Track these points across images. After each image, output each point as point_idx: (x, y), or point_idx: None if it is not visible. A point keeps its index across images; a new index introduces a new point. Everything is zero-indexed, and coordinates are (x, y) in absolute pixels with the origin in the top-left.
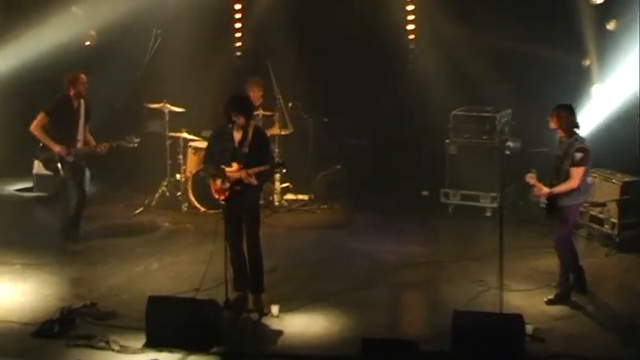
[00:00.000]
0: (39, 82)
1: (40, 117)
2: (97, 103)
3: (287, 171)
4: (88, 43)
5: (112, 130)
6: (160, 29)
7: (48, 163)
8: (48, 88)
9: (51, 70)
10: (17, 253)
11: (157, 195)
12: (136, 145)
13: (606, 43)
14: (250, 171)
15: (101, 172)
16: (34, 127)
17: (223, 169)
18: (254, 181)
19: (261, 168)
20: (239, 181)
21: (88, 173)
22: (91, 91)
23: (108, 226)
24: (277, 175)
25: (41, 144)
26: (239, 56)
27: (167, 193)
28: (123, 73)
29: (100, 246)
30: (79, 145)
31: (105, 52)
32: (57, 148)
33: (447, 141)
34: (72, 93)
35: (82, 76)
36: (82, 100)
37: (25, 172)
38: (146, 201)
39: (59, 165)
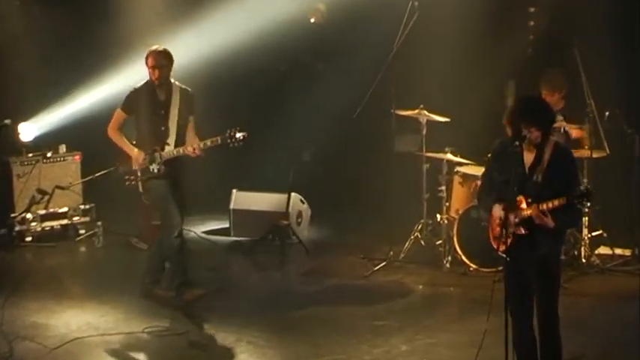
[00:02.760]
0: (244, 75)
1: (116, 114)
2: (323, 107)
3: (594, 205)
4: (313, 20)
5: (343, 148)
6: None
7: (128, 178)
8: (262, 79)
9: (262, 58)
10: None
11: (407, 244)
12: (241, 141)
13: None
14: (544, 206)
15: (326, 207)
16: (110, 129)
17: (512, 203)
18: (550, 221)
19: (556, 201)
20: (527, 223)
21: (307, 210)
22: (314, 90)
23: (334, 287)
24: (585, 219)
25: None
26: (532, 41)
27: (422, 242)
28: (363, 63)
29: (324, 315)
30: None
31: (338, 33)
32: (133, 154)
33: None
34: (151, 78)
35: (155, 50)
36: (172, 86)
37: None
38: (390, 252)
39: (139, 182)
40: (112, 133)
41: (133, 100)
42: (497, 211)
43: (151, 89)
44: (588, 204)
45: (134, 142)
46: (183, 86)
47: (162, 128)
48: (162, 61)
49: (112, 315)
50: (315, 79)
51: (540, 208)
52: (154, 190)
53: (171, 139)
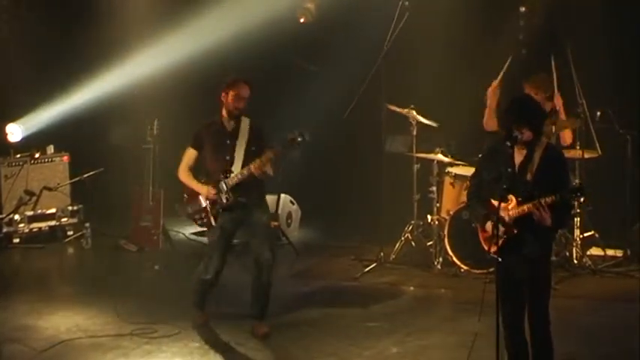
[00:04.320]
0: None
1: (186, 154)
2: (313, 108)
3: (586, 205)
4: (302, 20)
5: (333, 149)
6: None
7: (199, 217)
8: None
9: (251, 58)
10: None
11: (397, 245)
12: (299, 144)
13: None
14: (537, 202)
15: (315, 208)
16: (181, 170)
17: (502, 200)
18: (548, 217)
19: (549, 199)
20: (520, 223)
21: (297, 211)
22: (304, 91)
23: (324, 289)
24: (576, 220)
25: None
26: (523, 41)
27: (413, 243)
28: (353, 63)
29: (314, 317)
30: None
31: (328, 33)
32: (203, 190)
33: None
34: (225, 110)
35: (243, 80)
36: (242, 119)
37: None
38: (381, 254)
39: (210, 216)
40: (183, 174)
41: (201, 135)
42: (488, 210)
43: (220, 121)
44: (582, 199)
45: (203, 180)
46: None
47: (227, 157)
48: (248, 92)
49: (100, 317)
50: (305, 80)
51: (536, 204)
52: (210, 233)
53: (236, 167)
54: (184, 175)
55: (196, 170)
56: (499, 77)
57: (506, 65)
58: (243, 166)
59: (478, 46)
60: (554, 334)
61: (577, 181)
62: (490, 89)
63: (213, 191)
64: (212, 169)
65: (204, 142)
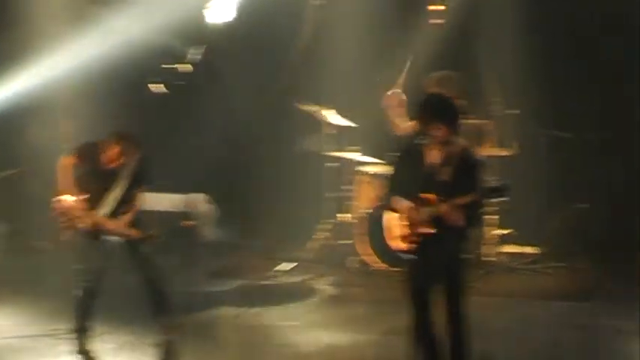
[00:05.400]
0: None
1: None
2: (228, 107)
3: (503, 203)
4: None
5: (249, 148)
6: None
7: None
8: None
9: (165, 58)
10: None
11: (313, 244)
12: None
13: None
14: (455, 203)
15: (230, 208)
16: None
17: (419, 199)
18: (461, 218)
19: (469, 198)
20: (436, 222)
21: (213, 211)
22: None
23: (241, 288)
24: (493, 218)
25: None
26: (437, 40)
27: (328, 242)
28: (267, 62)
29: (231, 316)
30: None
31: (244, 33)
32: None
33: None
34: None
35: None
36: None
37: None
38: (297, 253)
39: None
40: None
41: None
42: (404, 209)
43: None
44: (502, 198)
45: None
46: None
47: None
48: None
49: (15, 318)
50: (219, 79)
51: (453, 203)
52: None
53: None
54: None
55: None
56: (400, 80)
57: (406, 69)
58: None
59: (391, 45)
60: (470, 331)
61: (497, 180)
62: (392, 95)
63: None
64: None
65: None
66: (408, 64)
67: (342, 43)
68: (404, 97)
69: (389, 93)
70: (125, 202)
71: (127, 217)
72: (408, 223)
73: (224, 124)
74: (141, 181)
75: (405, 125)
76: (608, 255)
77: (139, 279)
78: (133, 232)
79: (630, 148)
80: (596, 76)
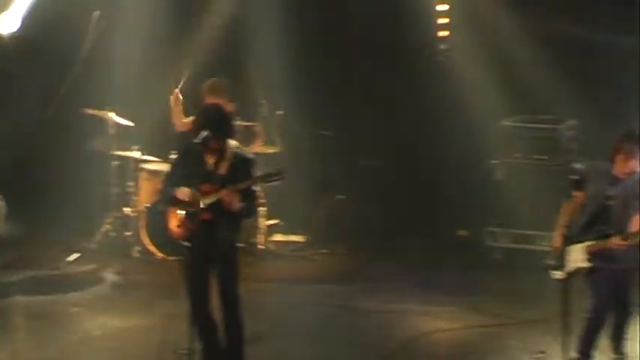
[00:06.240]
0: None
1: None
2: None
3: (278, 193)
4: None
5: (39, 147)
6: (103, 11)
7: None
8: None
9: None
10: None
11: (98, 235)
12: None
13: None
14: (233, 187)
15: (21, 204)
16: None
17: (194, 193)
18: (237, 203)
19: (248, 181)
20: (211, 209)
21: (3, 207)
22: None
23: (33, 279)
24: (262, 209)
25: None
26: (206, 47)
27: (112, 233)
28: (52, 71)
29: (23, 305)
30: None
31: (27, 42)
32: None
33: (494, 162)
34: None
35: None
36: None
37: None
38: (84, 244)
39: None
40: None
41: None
42: (184, 196)
43: None
44: (277, 181)
45: None
46: None
47: None
48: None
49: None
50: (7, 83)
51: (230, 189)
52: None
53: None
54: None
55: None
56: (180, 84)
57: (184, 76)
58: None
59: (171, 50)
60: (244, 314)
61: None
62: (172, 97)
63: None
64: None
65: None
66: (185, 74)
67: (124, 52)
68: (181, 97)
69: (173, 96)
70: None
71: None
72: (185, 213)
73: (17, 125)
74: None
75: (183, 122)
76: (365, 242)
77: None
78: None
79: (376, 145)
80: (352, 78)
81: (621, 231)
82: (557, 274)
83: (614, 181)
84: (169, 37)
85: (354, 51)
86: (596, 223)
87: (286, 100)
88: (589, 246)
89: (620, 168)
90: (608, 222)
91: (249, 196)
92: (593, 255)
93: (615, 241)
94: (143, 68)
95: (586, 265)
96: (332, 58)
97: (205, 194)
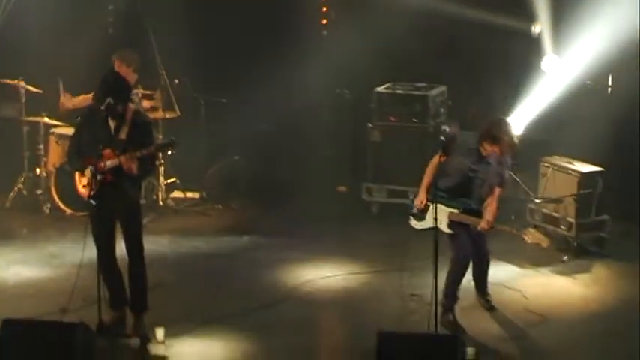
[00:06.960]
0: None
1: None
2: None
3: (175, 154)
4: None
5: None
6: None
7: None
8: None
9: None
10: None
11: (11, 194)
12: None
13: (561, 7)
14: (132, 154)
15: None
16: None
17: (99, 155)
18: (135, 167)
19: (145, 150)
20: (113, 172)
21: None
22: None
23: None
24: (161, 169)
25: None
26: (112, 22)
27: (24, 192)
28: None
29: None
30: None
31: None
32: None
33: (370, 125)
34: None
35: None
36: None
37: None
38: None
39: None
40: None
41: None
42: (89, 162)
43: None
44: (171, 151)
45: None
46: None
47: None
48: None
49: None
50: None
51: (130, 155)
52: None
53: None
54: None
55: None
56: (60, 90)
57: (60, 85)
58: None
59: (75, 27)
60: (148, 262)
61: (160, 138)
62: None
63: None
64: None
65: None
66: (60, 82)
67: (33, 22)
68: (66, 95)
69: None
70: None
71: None
72: (91, 174)
73: None
74: None
75: (74, 101)
76: (256, 199)
77: None
78: None
79: (269, 111)
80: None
81: (481, 202)
82: (417, 225)
83: (480, 158)
84: (78, 5)
85: (250, 25)
86: (458, 191)
87: (184, 70)
88: (452, 214)
89: (485, 150)
90: (469, 195)
91: (148, 158)
92: (454, 223)
93: (481, 225)
94: (52, 40)
95: (446, 230)
96: (230, 31)
97: (108, 158)
